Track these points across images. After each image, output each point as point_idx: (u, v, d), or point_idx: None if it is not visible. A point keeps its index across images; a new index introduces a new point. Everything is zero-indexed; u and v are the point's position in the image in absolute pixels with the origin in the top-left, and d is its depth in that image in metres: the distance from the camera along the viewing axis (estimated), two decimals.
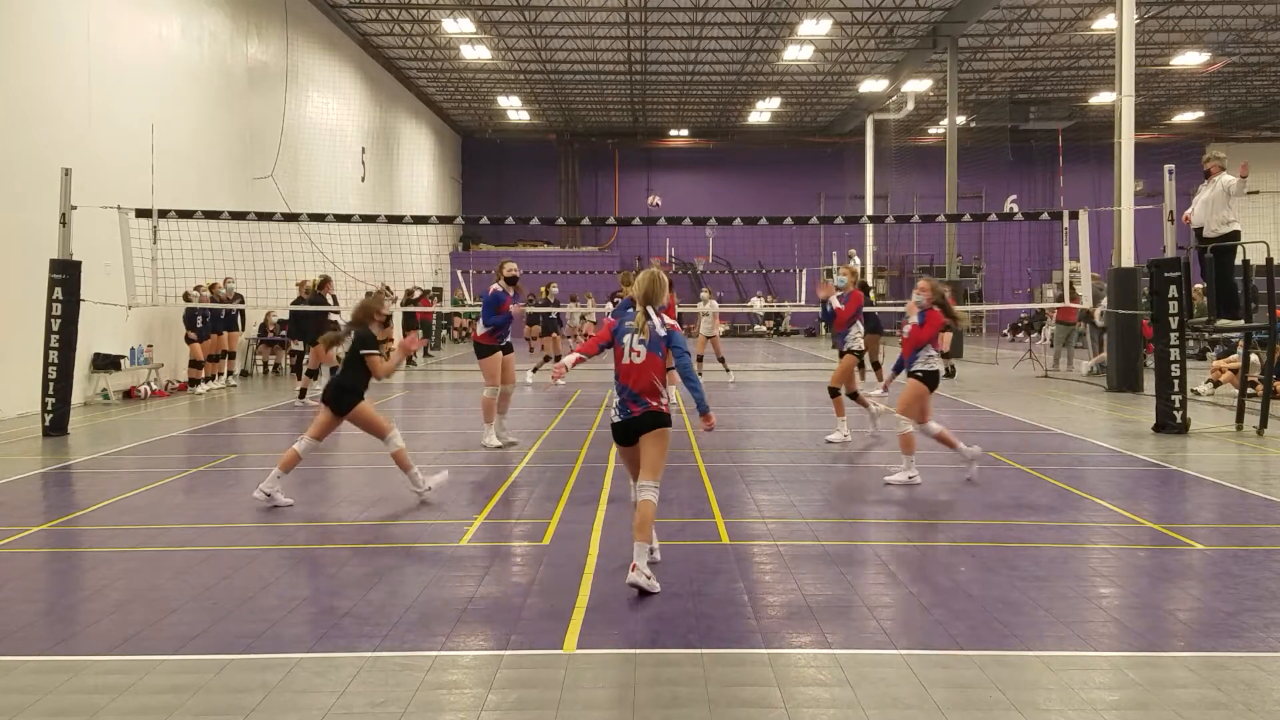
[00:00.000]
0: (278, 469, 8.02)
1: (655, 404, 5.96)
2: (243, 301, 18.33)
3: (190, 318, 17.42)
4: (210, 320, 17.89)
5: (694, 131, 45.41)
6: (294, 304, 17.75)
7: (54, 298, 12.22)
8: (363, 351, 8.00)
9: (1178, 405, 12.04)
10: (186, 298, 16.52)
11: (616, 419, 6.05)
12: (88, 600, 5.61)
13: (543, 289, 22.74)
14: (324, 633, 4.98)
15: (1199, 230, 12.47)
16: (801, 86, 36.91)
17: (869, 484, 9.17)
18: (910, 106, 36.01)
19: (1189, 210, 12.53)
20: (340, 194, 27.16)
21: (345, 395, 8.02)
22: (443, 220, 21.78)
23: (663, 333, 6.04)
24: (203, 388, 17.73)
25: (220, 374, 18.47)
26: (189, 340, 17.51)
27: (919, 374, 9.03)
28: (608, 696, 4.22)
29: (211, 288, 17.63)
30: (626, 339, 6.06)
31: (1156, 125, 41.53)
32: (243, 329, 19.67)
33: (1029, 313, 32.89)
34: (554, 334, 20.96)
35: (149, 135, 16.40)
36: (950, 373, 20.11)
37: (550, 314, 21.65)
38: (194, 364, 17.72)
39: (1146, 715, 4.04)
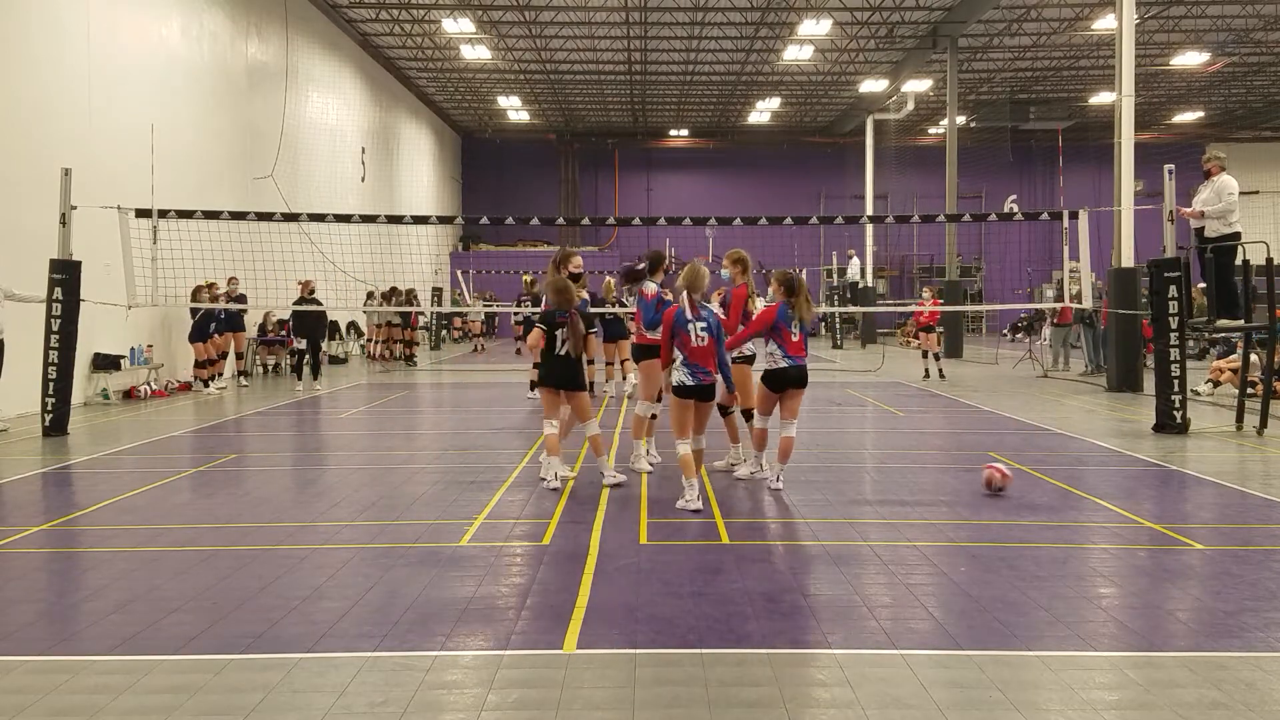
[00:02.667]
0: (600, 457, 8.79)
1: (709, 379, 8.09)
2: (244, 302, 18.33)
3: (208, 317, 17.47)
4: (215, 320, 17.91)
5: (694, 131, 45.39)
6: (295, 304, 17.75)
7: (54, 298, 12.22)
8: (589, 331, 8.88)
9: (1178, 405, 12.04)
10: (196, 296, 16.56)
11: (689, 383, 8.02)
12: (88, 600, 5.61)
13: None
14: (324, 633, 4.98)
15: (1199, 230, 12.46)
16: (801, 86, 36.90)
17: (869, 484, 9.18)
18: (910, 106, 35.98)
19: (1195, 209, 12.50)
20: (340, 194, 27.17)
21: (580, 374, 8.81)
22: (443, 220, 21.76)
23: (713, 320, 8.08)
24: (213, 387, 17.72)
25: (221, 374, 18.47)
26: (205, 338, 17.53)
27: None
28: (608, 696, 4.22)
29: (210, 286, 17.61)
30: (690, 328, 7.99)
31: (1156, 125, 41.52)
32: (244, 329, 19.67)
33: (1029, 313, 32.97)
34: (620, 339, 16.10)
35: (149, 135, 16.40)
36: (933, 375, 20.09)
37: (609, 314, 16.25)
38: (198, 364, 17.74)
39: (1146, 715, 4.04)
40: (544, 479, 8.72)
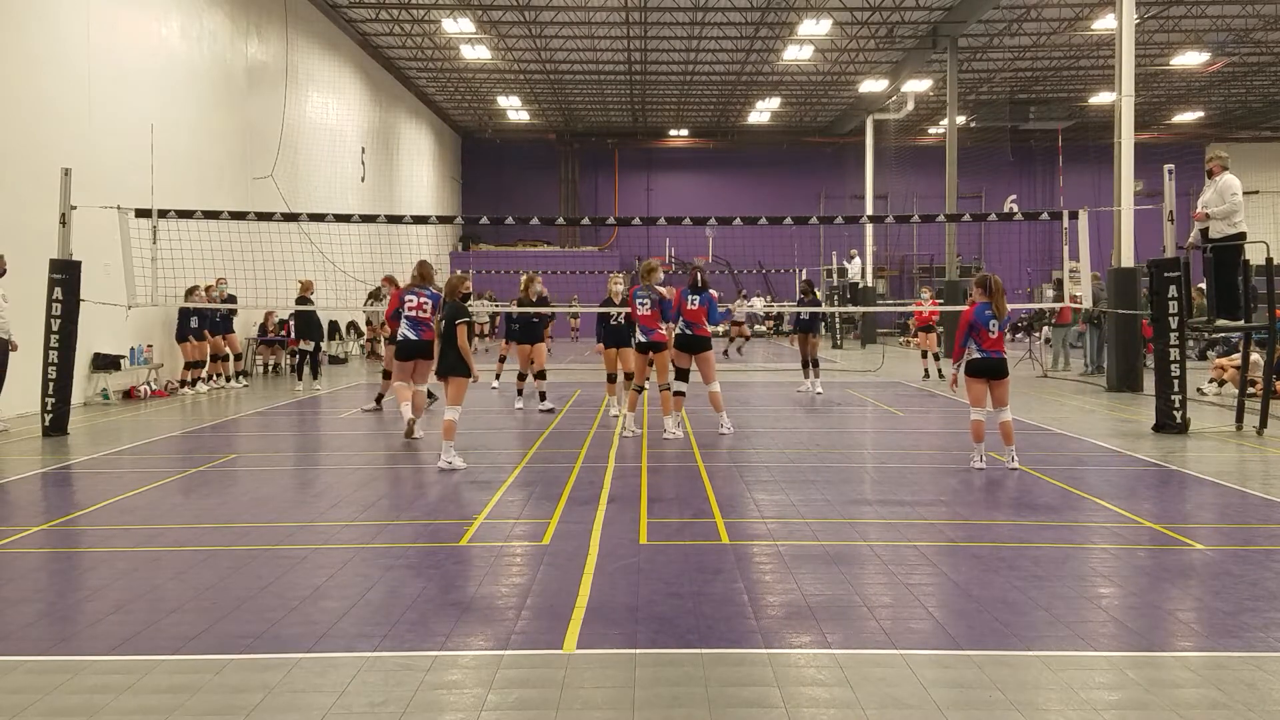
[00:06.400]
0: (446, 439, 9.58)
1: (702, 331, 11.81)
2: (234, 301, 18.23)
3: (185, 318, 17.46)
4: (207, 321, 17.85)
5: (694, 131, 45.39)
6: (297, 303, 17.72)
7: (54, 298, 12.22)
8: (456, 322, 9.64)
9: (1178, 405, 12.04)
10: (191, 295, 16.54)
11: (681, 334, 11.81)
12: (88, 600, 5.61)
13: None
14: (324, 633, 4.98)
15: (1204, 230, 12.46)
16: (801, 86, 36.90)
17: (869, 484, 9.18)
18: (910, 106, 35.97)
19: (1199, 211, 12.48)
20: (340, 194, 27.16)
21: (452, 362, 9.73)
22: (442, 220, 21.77)
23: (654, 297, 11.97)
24: (203, 387, 17.71)
25: (219, 375, 18.44)
26: (183, 338, 17.54)
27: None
28: (608, 696, 4.22)
29: (206, 289, 17.58)
30: (687, 297, 11.79)
31: (1156, 125, 41.51)
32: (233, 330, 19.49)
33: (1028, 313, 33.05)
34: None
35: (149, 135, 16.40)
36: (932, 375, 20.10)
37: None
38: (188, 365, 17.72)
39: (1146, 715, 4.04)
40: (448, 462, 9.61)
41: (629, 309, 12.46)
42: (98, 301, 13.25)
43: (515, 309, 15.38)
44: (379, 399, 14.78)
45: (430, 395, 14.73)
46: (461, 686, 4.35)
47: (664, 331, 11.89)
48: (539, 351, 14.97)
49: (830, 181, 43.86)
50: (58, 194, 12.49)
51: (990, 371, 9.60)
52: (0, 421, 12.48)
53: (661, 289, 12.02)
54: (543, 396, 14.69)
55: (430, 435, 11.45)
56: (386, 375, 14.84)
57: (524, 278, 15.68)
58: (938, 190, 30.83)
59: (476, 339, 33.87)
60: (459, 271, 15.19)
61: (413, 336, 11.48)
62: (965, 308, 10.03)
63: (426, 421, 12.35)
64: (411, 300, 11.60)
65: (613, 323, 13.42)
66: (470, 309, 10.16)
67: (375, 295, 25.14)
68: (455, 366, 9.68)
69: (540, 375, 14.85)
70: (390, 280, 15.83)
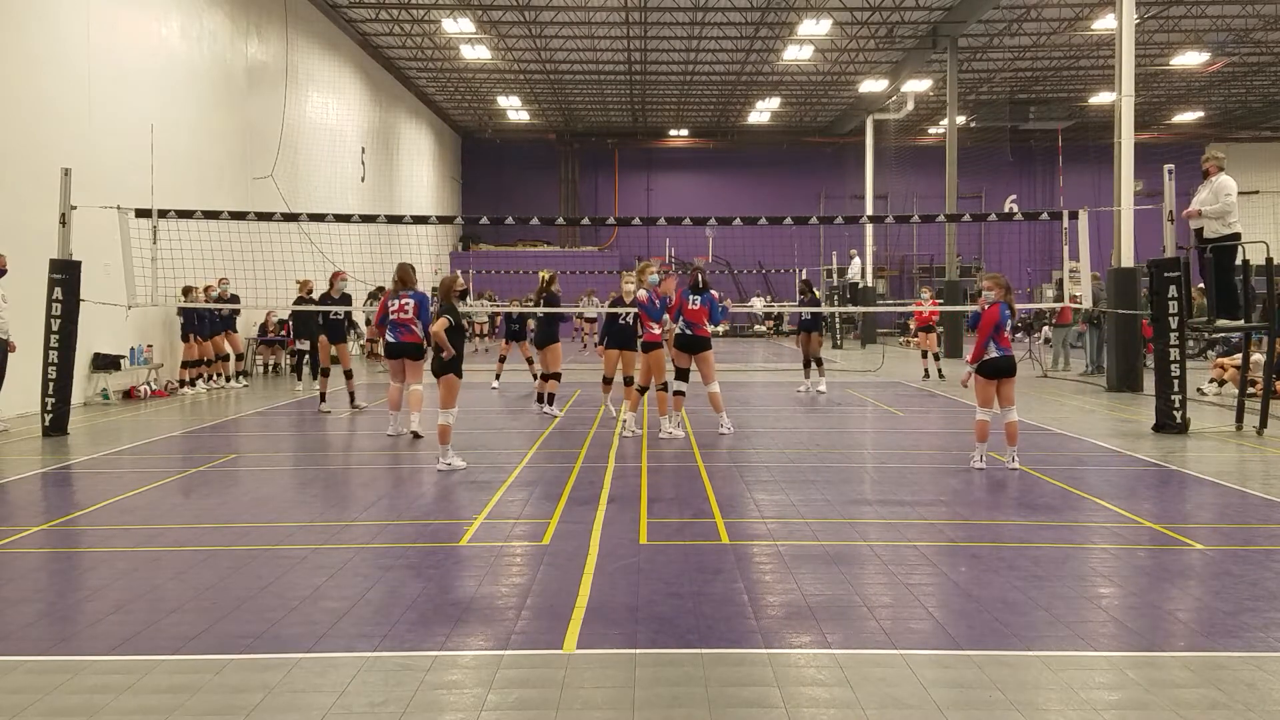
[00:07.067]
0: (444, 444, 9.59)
1: (702, 332, 11.91)
2: (238, 301, 18.24)
3: (188, 317, 17.46)
4: (208, 321, 17.83)
5: (694, 131, 45.40)
6: (295, 303, 17.71)
7: (54, 297, 12.23)
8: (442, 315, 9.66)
9: (1177, 405, 12.04)
10: (187, 293, 16.57)
11: (681, 334, 11.93)
12: (88, 600, 5.61)
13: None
14: (324, 633, 4.98)
15: (1199, 230, 12.46)
16: (801, 86, 36.90)
17: (869, 484, 9.18)
18: (910, 106, 35.97)
19: (1189, 209, 12.50)
20: (340, 194, 27.16)
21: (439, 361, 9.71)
22: (442, 220, 21.81)
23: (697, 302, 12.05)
24: (202, 386, 17.72)
25: (219, 374, 18.43)
26: (184, 337, 17.56)
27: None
28: (608, 696, 4.22)
29: (205, 289, 17.57)
30: (688, 297, 11.92)
31: (1156, 125, 41.51)
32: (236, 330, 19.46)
33: (1027, 313, 33.05)
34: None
35: (149, 135, 16.40)
36: (932, 375, 20.09)
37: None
38: (185, 364, 17.72)
39: (1146, 715, 4.04)
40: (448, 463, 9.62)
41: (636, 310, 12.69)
42: (98, 301, 13.25)
43: (517, 309, 15.37)
44: (351, 398, 15.21)
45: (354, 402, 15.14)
46: (461, 686, 4.35)
47: (656, 331, 12.05)
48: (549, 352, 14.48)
49: (830, 181, 43.85)
50: (58, 194, 12.50)
51: (1004, 370, 9.72)
52: (0, 421, 12.48)
53: (639, 293, 12.19)
54: (550, 399, 14.09)
55: (430, 436, 11.45)
56: (325, 373, 15.33)
57: (545, 274, 15.01)
58: (938, 190, 30.82)
59: (477, 339, 34.03)
60: (457, 272, 15.13)
61: (392, 339, 11.91)
62: (980, 308, 9.84)
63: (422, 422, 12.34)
64: (394, 304, 11.99)
65: (620, 322, 13.01)
66: (466, 308, 10.19)
67: (374, 295, 25.23)
68: (446, 366, 9.66)
69: (555, 376, 14.24)
70: (341, 276, 15.86)
